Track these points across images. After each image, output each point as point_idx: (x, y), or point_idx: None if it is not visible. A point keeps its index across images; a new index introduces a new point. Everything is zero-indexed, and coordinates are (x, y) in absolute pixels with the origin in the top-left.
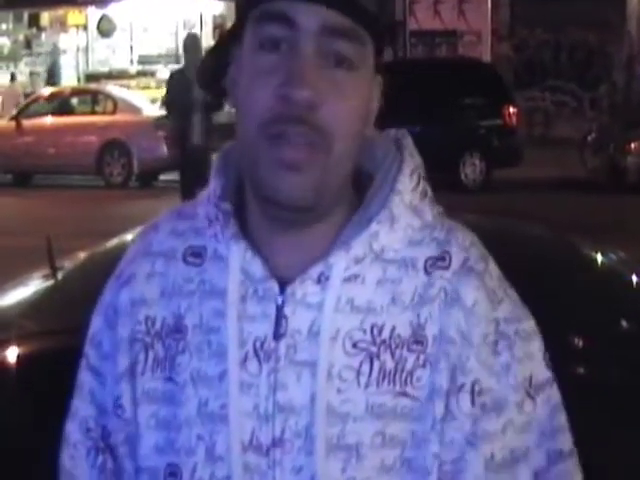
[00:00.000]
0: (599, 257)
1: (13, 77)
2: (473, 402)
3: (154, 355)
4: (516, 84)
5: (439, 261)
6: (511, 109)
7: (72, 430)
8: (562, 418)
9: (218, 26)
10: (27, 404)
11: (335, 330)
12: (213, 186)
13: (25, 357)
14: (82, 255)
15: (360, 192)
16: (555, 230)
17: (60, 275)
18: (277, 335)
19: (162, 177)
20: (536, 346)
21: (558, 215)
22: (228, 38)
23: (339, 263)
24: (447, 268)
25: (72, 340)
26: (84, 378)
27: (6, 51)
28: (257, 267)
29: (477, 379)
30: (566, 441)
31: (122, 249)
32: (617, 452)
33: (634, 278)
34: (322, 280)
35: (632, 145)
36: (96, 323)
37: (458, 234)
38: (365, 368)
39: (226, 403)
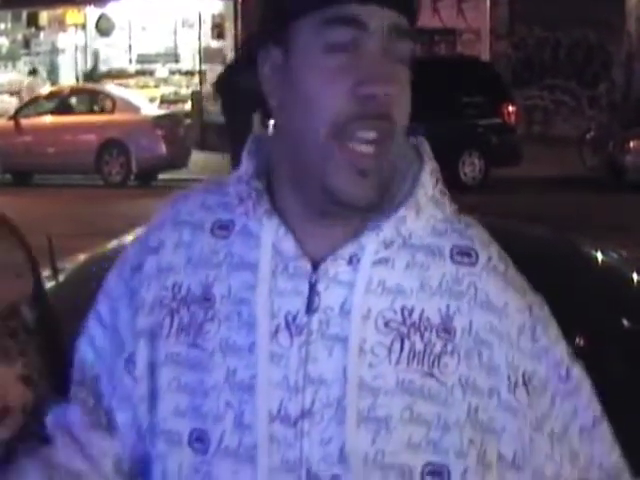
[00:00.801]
0: (599, 255)
1: (34, 72)
2: (528, 391)
3: (179, 320)
4: (515, 82)
5: (466, 256)
6: (510, 107)
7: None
8: (590, 387)
9: (217, 25)
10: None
11: (367, 309)
12: (245, 166)
13: None
14: (82, 256)
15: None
16: (554, 229)
17: (61, 276)
18: (310, 310)
19: (161, 176)
20: (556, 328)
21: (557, 213)
22: (259, 41)
23: (370, 245)
24: (474, 265)
25: (74, 341)
26: (92, 331)
27: (5, 51)
28: (289, 245)
29: (525, 370)
30: (598, 408)
31: (122, 251)
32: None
33: (634, 276)
34: (354, 261)
35: (631, 143)
36: (113, 281)
37: (478, 231)
38: (396, 346)
39: (255, 373)
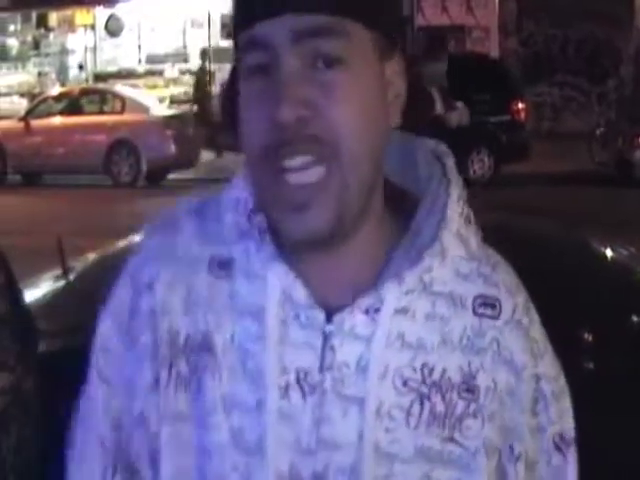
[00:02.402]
0: (608, 251)
1: (82, 67)
2: (526, 467)
3: (177, 373)
4: (524, 79)
5: (489, 308)
6: (519, 104)
7: (83, 443)
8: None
9: (226, 25)
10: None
11: (384, 366)
12: (243, 193)
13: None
14: (92, 255)
15: (401, 213)
16: (564, 224)
17: (72, 276)
18: (323, 367)
19: (171, 176)
20: (567, 402)
21: (566, 209)
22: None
23: (390, 295)
24: (497, 318)
25: (83, 340)
26: (95, 391)
27: (14, 52)
28: (300, 292)
29: (527, 449)
30: None
31: (132, 250)
32: (625, 445)
33: None
34: (371, 312)
35: None
36: (107, 328)
37: (505, 276)
38: (415, 409)
39: (264, 434)
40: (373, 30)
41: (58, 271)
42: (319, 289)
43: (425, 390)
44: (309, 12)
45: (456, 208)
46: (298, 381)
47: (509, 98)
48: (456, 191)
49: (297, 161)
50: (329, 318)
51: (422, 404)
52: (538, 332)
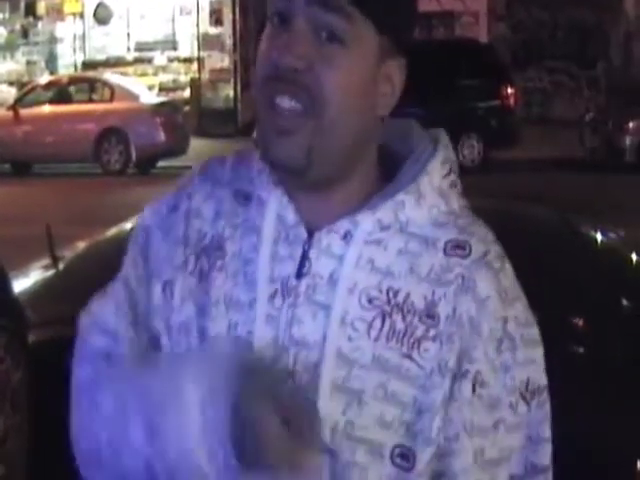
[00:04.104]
0: (598, 236)
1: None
2: (474, 390)
3: (200, 266)
4: (513, 64)
5: (459, 249)
6: (509, 90)
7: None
8: (548, 430)
9: (214, 12)
10: (29, 393)
11: (353, 283)
12: None
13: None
14: (82, 244)
15: (393, 173)
16: (554, 210)
17: (61, 265)
18: (299, 274)
19: (160, 163)
20: (538, 353)
21: (557, 195)
22: None
23: (364, 222)
24: (466, 257)
25: (73, 330)
26: (127, 264)
27: (3, 40)
28: (290, 213)
29: (479, 370)
30: (546, 455)
31: (122, 238)
32: (617, 429)
33: (633, 256)
34: (347, 237)
35: (630, 124)
36: (150, 217)
37: (481, 229)
38: (377, 323)
39: (252, 330)
40: (382, 31)
41: (47, 260)
42: (308, 216)
43: (387, 309)
44: None
45: (439, 167)
46: (282, 288)
47: (498, 83)
48: (442, 155)
49: (285, 102)
50: (311, 236)
51: (383, 320)
52: (510, 280)
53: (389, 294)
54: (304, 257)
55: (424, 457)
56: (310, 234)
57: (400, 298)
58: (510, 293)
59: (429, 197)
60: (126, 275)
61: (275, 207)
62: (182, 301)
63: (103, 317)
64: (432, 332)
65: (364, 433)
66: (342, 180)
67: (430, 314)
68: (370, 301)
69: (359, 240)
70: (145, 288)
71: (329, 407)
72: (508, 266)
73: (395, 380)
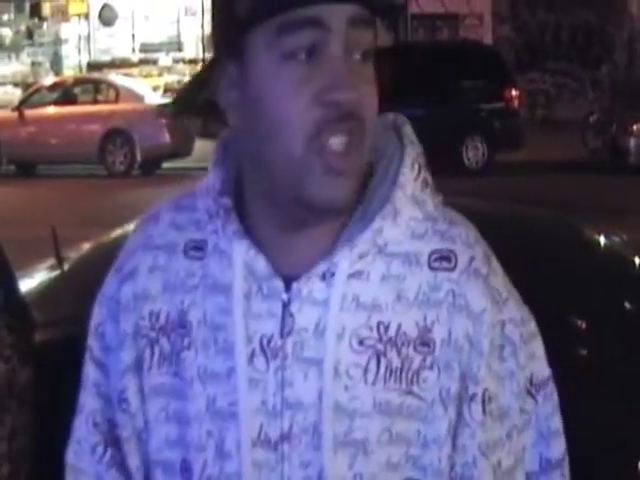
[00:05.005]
0: (601, 239)
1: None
2: (484, 410)
3: (160, 350)
4: (517, 66)
5: (444, 261)
6: (513, 92)
7: (77, 426)
8: (559, 421)
9: None
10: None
11: (341, 328)
12: (212, 179)
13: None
14: (87, 245)
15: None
16: (557, 212)
17: (66, 266)
18: (284, 333)
19: (165, 165)
20: (537, 346)
21: (560, 197)
22: (215, 59)
23: (343, 260)
24: (453, 270)
25: (79, 330)
26: (88, 370)
27: (8, 41)
28: (261, 265)
29: (486, 388)
30: (559, 448)
31: (127, 239)
32: (619, 431)
33: (636, 259)
34: (327, 277)
35: (634, 126)
36: (98, 315)
37: (461, 229)
38: (372, 365)
39: (235, 400)
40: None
41: (52, 261)
42: (282, 261)
43: (381, 347)
44: (360, 4)
45: (409, 173)
46: (262, 348)
47: (502, 85)
48: (410, 156)
49: (343, 140)
50: (289, 287)
51: (379, 361)
52: (500, 280)
53: (380, 330)
54: (285, 312)
55: None
56: (286, 283)
57: (392, 332)
58: (502, 293)
59: (405, 211)
60: (91, 409)
61: (242, 258)
62: (145, 400)
63: (83, 468)
64: (429, 360)
65: None
66: None
67: (424, 341)
68: (361, 342)
69: (341, 278)
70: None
71: (335, 465)
72: (495, 263)
73: (399, 420)
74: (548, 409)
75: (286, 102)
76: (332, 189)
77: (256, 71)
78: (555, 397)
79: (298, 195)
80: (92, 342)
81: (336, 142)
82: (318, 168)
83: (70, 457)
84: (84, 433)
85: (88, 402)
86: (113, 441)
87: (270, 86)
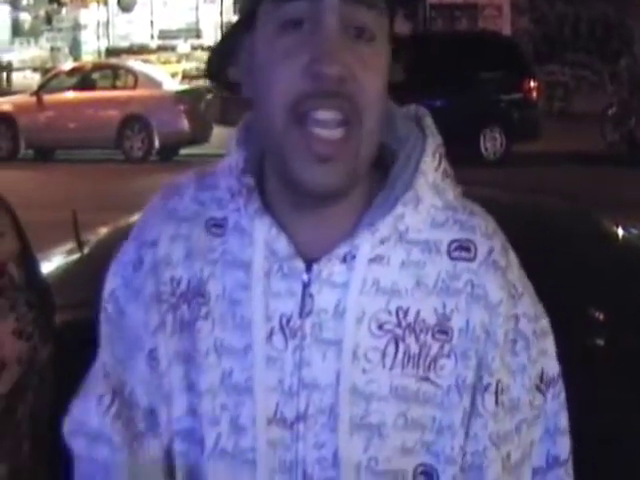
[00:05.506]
0: (619, 231)
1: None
2: (497, 401)
3: (180, 317)
4: (536, 58)
5: (464, 251)
6: (531, 83)
7: (87, 379)
8: (565, 419)
9: (238, 0)
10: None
11: (361, 311)
12: (235, 158)
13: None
14: (104, 229)
15: (381, 169)
16: (575, 204)
17: (85, 250)
18: (303, 313)
19: (182, 151)
20: (549, 343)
21: (577, 189)
22: (237, 27)
23: (365, 244)
24: (472, 260)
25: (96, 312)
26: (103, 332)
27: (27, 27)
28: (282, 244)
29: (500, 379)
30: (565, 446)
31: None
32: (635, 422)
33: None
34: (348, 259)
35: None
36: (112, 280)
37: (480, 220)
38: (390, 350)
39: (251, 376)
40: (392, 12)
41: (71, 245)
42: (302, 241)
43: (400, 332)
44: None
45: (431, 161)
46: (281, 327)
47: (521, 77)
48: (432, 146)
49: (328, 115)
50: (309, 267)
51: (397, 346)
52: (516, 274)
53: (399, 315)
54: (305, 293)
55: (447, 475)
56: (307, 263)
57: (411, 317)
58: (518, 288)
59: (426, 198)
60: (103, 362)
61: (263, 237)
62: (169, 365)
63: (86, 420)
64: (446, 348)
65: (387, 465)
66: (353, 188)
67: (443, 329)
68: (380, 327)
69: (362, 262)
70: (128, 367)
71: (350, 447)
72: (512, 256)
73: (415, 406)
74: (556, 406)
75: (276, 70)
76: (321, 176)
77: (260, 40)
78: (563, 397)
79: (285, 172)
80: (107, 304)
81: (319, 115)
82: (300, 146)
83: (74, 408)
84: (92, 383)
85: (102, 357)
86: (121, 396)
87: (267, 55)
